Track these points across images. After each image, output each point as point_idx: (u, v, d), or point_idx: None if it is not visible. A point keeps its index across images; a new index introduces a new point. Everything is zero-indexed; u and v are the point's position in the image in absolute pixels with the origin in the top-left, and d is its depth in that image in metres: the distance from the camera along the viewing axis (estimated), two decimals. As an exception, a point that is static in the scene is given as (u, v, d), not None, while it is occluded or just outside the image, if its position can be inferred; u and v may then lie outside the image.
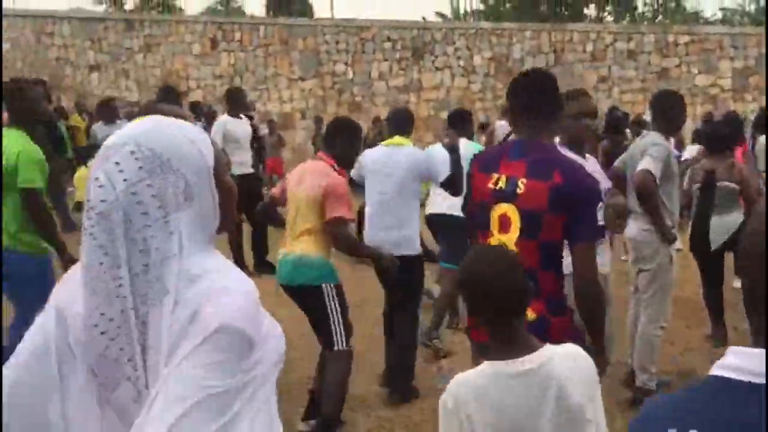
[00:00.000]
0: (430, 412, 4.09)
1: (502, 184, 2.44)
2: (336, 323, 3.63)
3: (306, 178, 3.72)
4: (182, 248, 1.19)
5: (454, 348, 4.98)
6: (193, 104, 10.27)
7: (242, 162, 7.08)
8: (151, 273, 1.16)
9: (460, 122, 5.39)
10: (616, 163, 4.45)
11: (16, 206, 3.76)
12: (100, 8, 38.67)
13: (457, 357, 4.76)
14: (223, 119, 7.29)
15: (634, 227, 4.11)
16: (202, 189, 1.23)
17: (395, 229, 4.20)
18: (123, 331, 1.17)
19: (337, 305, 3.64)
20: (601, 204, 2.42)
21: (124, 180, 1.17)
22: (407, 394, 4.19)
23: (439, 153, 4.60)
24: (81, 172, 9.78)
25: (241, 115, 7.39)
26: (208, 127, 7.90)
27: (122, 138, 1.21)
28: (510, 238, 2.40)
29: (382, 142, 4.57)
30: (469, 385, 1.77)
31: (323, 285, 3.65)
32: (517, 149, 2.51)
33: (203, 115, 10.07)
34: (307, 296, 3.69)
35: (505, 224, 2.43)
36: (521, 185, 2.40)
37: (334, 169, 3.74)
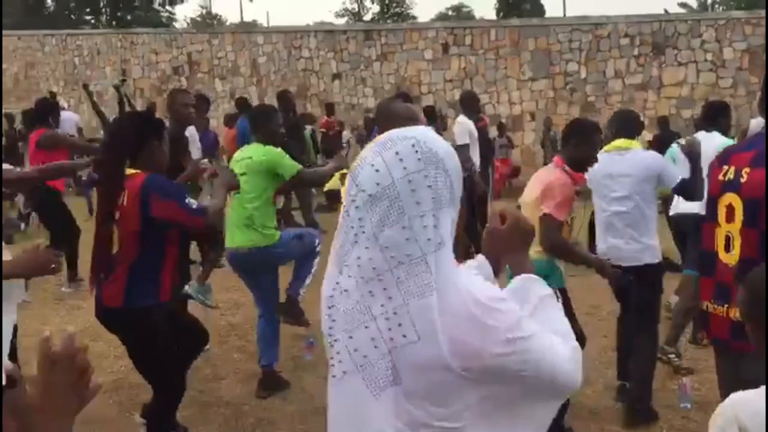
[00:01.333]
0: (670, 433, 3.82)
1: (730, 174, 2.44)
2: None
3: (533, 183, 3.68)
4: (441, 246, 1.22)
5: (696, 365, 4.60)
6: (427, 109, 10.50)
7: (473, 162, 7.29)
8: (415, 265, 1.20)
9: (714, 115, 5.10)
10: None
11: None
12: (342, 21, 41.24)
13: (701, 375, 4.38)
14: (467, 120, 7.44)
15: None
16: (457, 194, 1.29)
17: (629, 238, 3.94)
18: (345, 302, 1.23)
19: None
20: None
21: (404, 168, 1.23)
22: (645, 414, 3.91)
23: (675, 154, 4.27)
24: None
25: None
26: (440, 131, 8.12)
27: (402, 134, 1.28)
28: (735, 228, 2.40)
29: (604, 148, 4.28)
30: (749, 406, 1.56)
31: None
32: (755, 141, 2.52)
33: (435, 119, 10.31)
34: None
35: (730, 214, 2.43)
36: (744, 174, 2.39)
37: (564, 171, 3.63)
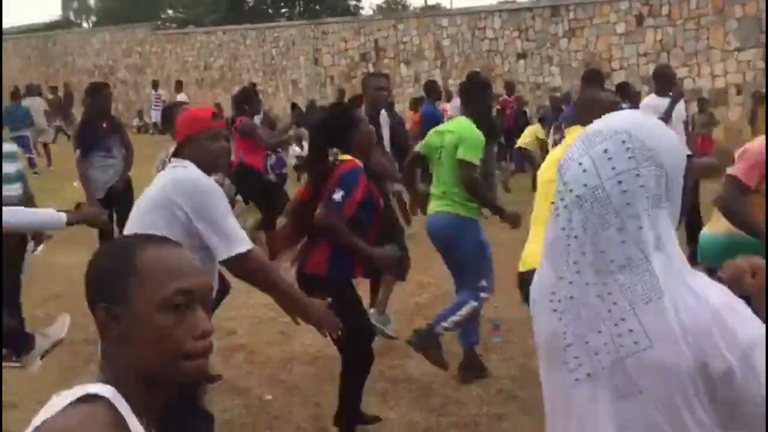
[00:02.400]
0: None
1: None
2: None
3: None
4: (661, 247, 1.15)
5: None
6: (621, 85, 9.99)
7: None
8: (637, 268, 1.14)
9: None
10: None
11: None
12: (527, -2, 40.16)
13: None
14: (654, 100, 6.96)
15: None
16: (675, 191, 1.19)
17: None
18: (575, 308, 1.19)
19: None
20: None
21: (612, 168, 1.16)
22: None
23: None
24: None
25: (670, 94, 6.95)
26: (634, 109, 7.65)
27: (611, 126, 1.21)
28: None
29: None
30: None
31: None
32: None
33: (628, 96, 9.78)
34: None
35: None
36: None
37: None
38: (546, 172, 3.38)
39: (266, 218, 7.15)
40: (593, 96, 3.42)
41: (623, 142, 1.17)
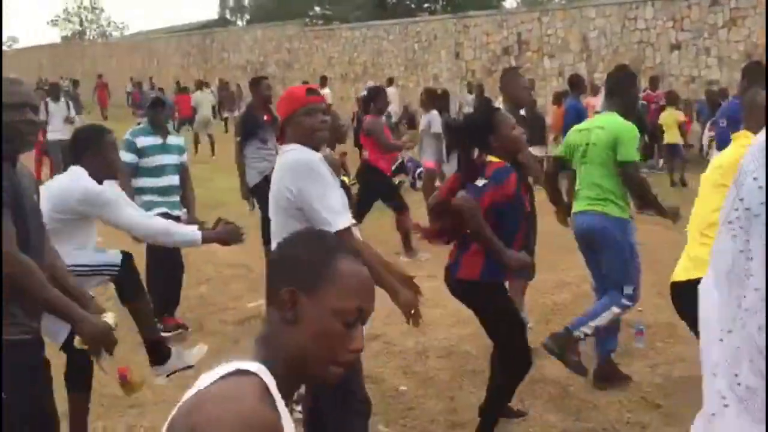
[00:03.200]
0: None
1: None
2: None
3: None
4: None
5: None
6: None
7: None
8: None
9: None
10: None
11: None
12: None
13: None
14: None
15: None
16: None
17: None
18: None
19: None
20: None
21: None
22: None
23: None
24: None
25: None
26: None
27: None
28: None
29: None
30: None
31: None
32: None
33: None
34: None
35: None
36: None
37: None
38: (710, 175, 3.18)
39: (398, 218, 7.25)
40: (753, 97, 3.17)
41: None
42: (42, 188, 3.28)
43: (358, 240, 2.83)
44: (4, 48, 61.36)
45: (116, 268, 3.49)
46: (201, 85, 19.49)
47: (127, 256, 3.55)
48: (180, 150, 5.35)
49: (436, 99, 9.58)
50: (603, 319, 4.01)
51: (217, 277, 6.81)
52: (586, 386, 4.17)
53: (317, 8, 43.80)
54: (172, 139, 5.34)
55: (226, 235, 3.52)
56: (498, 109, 3.87)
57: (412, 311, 2.87)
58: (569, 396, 4.09)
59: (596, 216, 4.10)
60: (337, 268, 1.26)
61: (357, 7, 36.43)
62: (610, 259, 4.09)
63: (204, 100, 17.54)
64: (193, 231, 3.52)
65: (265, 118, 6.54)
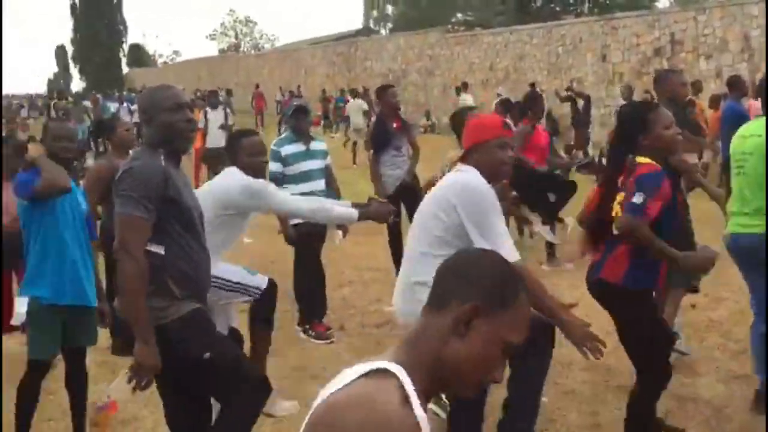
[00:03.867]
0: None
1: None
2: None
3: None
4: None
5: None
6: None
7: None
8: None
9: None
10: None
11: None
12: None
13: None
14: None
15: None
16: None
17: None
18: None
19: None
20: None
21: None
22: None
23: None
24: None
25: None
26: None
27: None
28: None
29: None
30: None
31: None
32: None
33: None
34: None
35: None
36: None
37: None
38: None
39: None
40: None
41: None
42: (202, 190, 3.51)
43: (526, 273, 2.85)
44: (168, 61, 66.28)
45: (259, 292, 3.66)
46: (355, 93, 20.08)
47: (272, 284, 3.71)
48: (324, 154, 5.49)
49: (511, 107, 8.87)
50: None
51: (358, 280, 6.96)
52: (745, 407, 3.87)
53: (459, 15, 43.85)
54: (316, 145, 5.47)
55: (378, 212, 3.59)
56: (656, 104, 3.60)
57: (589, 344, 2.82)
58: (725, 418, 3.82)
59: (756, 238, 3.72)
60: (520, 299, 1.30)
61: (499, 12, 36.09)
62: (759, 280, 3.77)
63: (357, 108, 18.01)
64: (348, 207, 3.59)
65: (395, 125, 6.58)
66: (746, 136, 3.83)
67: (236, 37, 65.50)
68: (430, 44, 26.50)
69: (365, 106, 18.53)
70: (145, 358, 2.52)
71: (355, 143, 17.10)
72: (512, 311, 1.28)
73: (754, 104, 11.25)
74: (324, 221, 4.15)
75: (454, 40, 25.91)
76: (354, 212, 3.53)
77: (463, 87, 20.92)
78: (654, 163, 3.16)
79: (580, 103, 15.68)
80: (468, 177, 2.92)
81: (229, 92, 26.13)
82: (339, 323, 5.64)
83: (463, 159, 3.04)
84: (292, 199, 3.70)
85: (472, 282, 1.28)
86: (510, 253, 2.77)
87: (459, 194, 2.89)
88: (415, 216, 3.14)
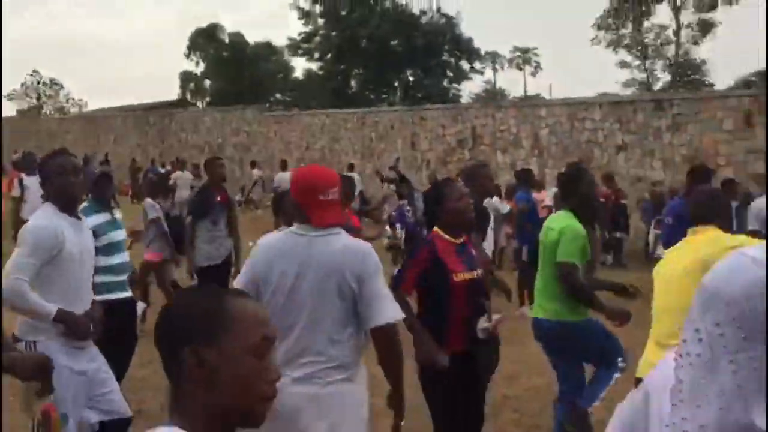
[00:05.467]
0: None
1: None
2: None
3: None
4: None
5: None
6: (727, 182, 9.64)
7: None
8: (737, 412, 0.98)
9: None
10: None
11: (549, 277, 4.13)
12: (628, 91, 40.00)
13: None
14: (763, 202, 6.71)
15: None
16: (746, 345, 0.98)
17: None
18: None
19: None
20: None
21: (724, 347, 0.99)
22: None
23: None
24: None
25: None
26: (740, 208, 7.39)
27: (723, 295, 1.00)
28: None
29: None
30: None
31: None
32: None
33: (735, 194, 9.41)
34: None
35: None
36: None
37: None
38: (662, 267, 3.28)
39: None
40: (716, 197, 3.40)
41: (734, 319, 0.97)
42: None
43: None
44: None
45: None
46: (182, 165, 19.48)
47: None
48: (122, 224, 5.22)
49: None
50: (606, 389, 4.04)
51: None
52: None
53: (278, 94, 44.64)
54: (117, 213, 5.17)
55: (73, 322, 3.27)
56: (451, 180, 3.89)
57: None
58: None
59: (553, 324, 4.08)
60: (228, 309, 1.24)
61: (316, 95, 37.22)
62: (582, 359, 4.14)
63: (185, 181, 17.32)
64: (48, 306, 3.19)
65: (219, 198, 6.49)
66: (545, 228, 4.23)
67: (38, 98, 61.49)
68: (248, 121, 26.60)
69: (191, 179, 18.02)
70: None
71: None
72: (231, 322, 1.23)
73: (539, 197, 12.43)
74: (21, 313, 3.37)
75: (273, 118, 26.23)
76: (51, 311, 3.18)
77: (282, 165, 21.11)
78: (441, 233, 3.46)
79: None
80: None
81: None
82: (137, 405, 5.23)
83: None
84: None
85: (178, 328, 1.25)
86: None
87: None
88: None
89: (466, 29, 58.09)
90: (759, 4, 28.86)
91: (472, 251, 3.60)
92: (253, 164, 23.09)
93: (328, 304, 2.62)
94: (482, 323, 3.45)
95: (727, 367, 0.98)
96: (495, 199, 5.68)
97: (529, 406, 5.40)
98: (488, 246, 6.42)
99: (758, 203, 6.79)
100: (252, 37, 48.64)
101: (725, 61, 56.93)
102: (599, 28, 38.39)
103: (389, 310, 2.61)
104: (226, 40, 45.01)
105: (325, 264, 2.61)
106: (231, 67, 41.71)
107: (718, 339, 0.99)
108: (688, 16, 35.90)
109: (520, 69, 60.69)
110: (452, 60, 40.44)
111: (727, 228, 3.27)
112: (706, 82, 40.92)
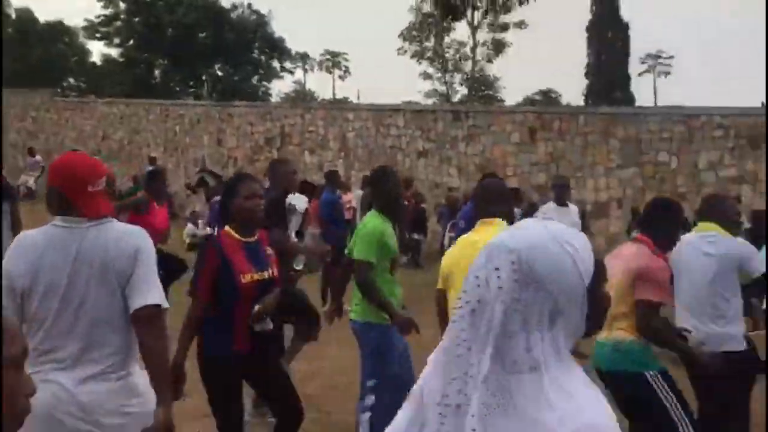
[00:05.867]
0: None
1: None
2: (677, 414, 3.35)
3: (620, 261, 3.60)
4: (541, 366, 1.18)
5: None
6: (512, 191, 10.50)
7: None
8: (498, 383, 1.17)
9: None
10: None
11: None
12: (430, 101, 42.14)
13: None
14: (551, 207, 7.40)
15: None
16: (571, 309, 1.22)
17: (712, 323, 3.82)
18: (457, 417, 1.19)
19: (670, 393, 3.38)
20: None
21: (499, 287, 1.20)
22: None
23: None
24: None
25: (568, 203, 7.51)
26: (527, 216, 8.11)
27: (508, 244, 1.23)
28: None
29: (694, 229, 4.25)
30: None
31: (645, 373, 3.44)
32: None
33: (520, 202, 10.27)
34: (627, 384, 3.50)
35: None
36: None
37: (653, 252, 3.56)
38: (446, 262, 3.52)
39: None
40: (483, 186, 3.65)
41: (512, 263, 1.20)
42: None
43: None
44: None
45: None
46: None
47: None
48: None
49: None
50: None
51: None
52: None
53: (71, 80, 41.45)
54: None
55: None
56: (245, 177, 3.81)
57: None
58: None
59: (357, 324, 4.23)
60: None
61: (117, 83, 35.06)
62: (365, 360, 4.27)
63: None
64: None
65: None
66: (358, 228, 4.35)
67: None
68: (35, 105, 24.42)
69: None
70: None
71: None
72: None
73: (345, 198, 12.70)
74: None
75: (64, 104, 24.30)
76: None
77: (150, 161, 19.58)
78: (230, 232, 3.44)
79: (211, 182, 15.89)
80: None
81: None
82: None
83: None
84: None
85: None
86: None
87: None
88: None
89: (277, 28, 57.92)
90: (549, 29, 31.69)
91: (267, 250, 3.55)
92: (31, 151, 21.25)
93: (107, 297, 2.49)
94: (263, 324, 3.47)
95: (498, 307, 1.18)
96: (297, 195, 5.70)
97: (330, 404, 5.48)
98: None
99: (545, 208, 7.50)
100: (43, 15, 44.76)
101: (515, 79, 62.08)
102: (405, 39, 40.01)
103: (152, 295, 2.50)
104: (13, 16, 40.99)
105: (102, 255, 2.48)
106: (16, 45, 38.02)
107: (495, 281, 1.20)
108: (483, 35, 38.60)
109: (330, 72, 61.68)
110: (262, 58, 40.07)
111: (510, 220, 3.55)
112: (498, 98, 44.24)
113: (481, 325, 1.19)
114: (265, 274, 3.45)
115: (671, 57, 59.59)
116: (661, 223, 3.63)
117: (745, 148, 13.99)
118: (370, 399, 4.18)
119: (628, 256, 3.58)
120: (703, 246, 3.89)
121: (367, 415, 4.15)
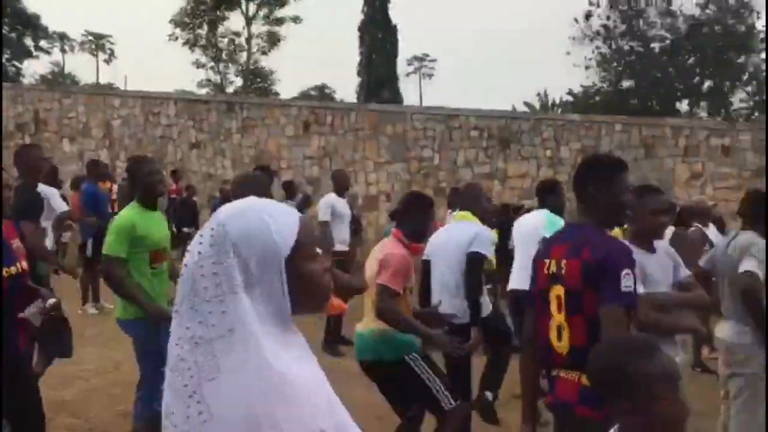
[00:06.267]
0: None
1: (553, 268, 2.58)
2: (436, 387, 3.62)
3: (376, 254, 3.84)
4: (236, 329, 1.23)
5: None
6: (287, 183, 10.61)
7: (343, 240, 7.39)
8: (205, 347, 1.23)
9: (545, 192, 5.63)
10: (705, 263, 4.32)
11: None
12: (203, 91, 41.02)
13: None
14: (332, 198, 7.60)
15: (729, 329, 3.95)
16: (267, 277, 1.27)
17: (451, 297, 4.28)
18: (177, 385, 1.25)
19: (428, 371, 3.65)
20: (627, 271, 2.42)
21: (198, 253, 1.28)
22: None
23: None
24: None
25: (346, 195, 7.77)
26: (303, 207, 8.29)
27: (219, 216, 1.32)
28: (563, 317, 2.52)
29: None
30: None
31: (405, 357, 3.67)
32: (569, 233, 2.69)
33: (293, 194, 10.42)
34: (390, 371, 3.70)
35: (559, 305, 2.54)
36: (564, 266, 2.54)
37: (403, 244, 3.83)
38: None
39: None
40: (239, 179, 3.72)
41: (212, 229, 1.29)
42: None
43: None
44: None
45: None
46: None
47: None
48: None
49: None
50: None
51: None
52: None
53: None
54: None
55: None
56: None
57: None
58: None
59: (119, 321, 4.13)
60: None
61: None
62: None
63: None
64: None
65: None
66: None
67: None
68: None
69: None
70: None
71: None
72: None
73: (114, 188, 11.97)
74: None
75: None
76: None
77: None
78: None
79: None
80: None
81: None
82: None
83: None
84: None
85: None
86: None
87: None
88: None
89: (31, 4, 52.73)
90: (324, 27, 32.24)
91: (12, 243, 3.30)
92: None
93: None
94: (31, 309, 3.22)
95: (197, 271, 1.27)
96: (51, 189, 5.29)
97: (86, 409, 5.16)
98: (49, 241, 5.95)
99: (327, 200, 7.71)
100: None
101: (291, 74, 62.50)
102: (176, 25, 38.45)
103: None
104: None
105: None
106: None
107: (197, 247, 1.29)
108: (258, 27, 38.35)
109: (94, 55, 57.39)
110: (13, 35, 36.20)
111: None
112: (273, 91, 44.22)
113: (186, 289, 1.26)
114: (13, 270, 3.18)
115: (434, 60, 63.80)
116: (412, 216, 3.91)
117: (496, 147, 15.44)
118: (147, 389, 4.02)
119: (381, 249, 3.84)
120: (450, 231, 4.31)
121: (145, 404, 3.99)
